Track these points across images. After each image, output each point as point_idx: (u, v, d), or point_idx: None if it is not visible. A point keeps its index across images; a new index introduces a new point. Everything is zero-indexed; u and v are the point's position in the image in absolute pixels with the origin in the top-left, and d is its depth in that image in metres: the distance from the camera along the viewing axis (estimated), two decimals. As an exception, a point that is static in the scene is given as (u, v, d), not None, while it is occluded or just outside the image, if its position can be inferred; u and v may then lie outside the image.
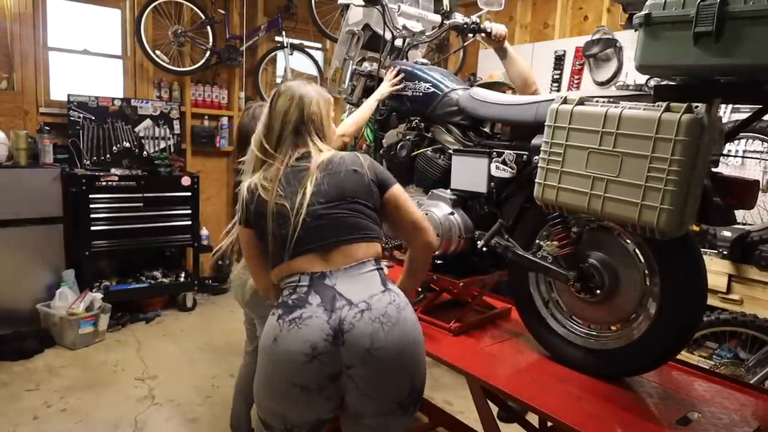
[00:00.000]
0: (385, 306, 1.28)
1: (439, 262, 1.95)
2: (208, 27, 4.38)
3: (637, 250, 1.46)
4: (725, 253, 2.91)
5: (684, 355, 2.83)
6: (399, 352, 1.26)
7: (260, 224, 1.39)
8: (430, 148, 2.02)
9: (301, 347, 1.21)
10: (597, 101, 1.35)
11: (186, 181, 4.15)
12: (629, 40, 3.73)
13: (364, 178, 1.40)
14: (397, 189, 1.47)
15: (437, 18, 2.46)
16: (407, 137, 2.09)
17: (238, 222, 1.46)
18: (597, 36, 3.97)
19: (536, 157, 1.49)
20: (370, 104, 2.09)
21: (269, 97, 1.49)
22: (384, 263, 1.43)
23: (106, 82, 4.32)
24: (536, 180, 1.46)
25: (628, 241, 1.48)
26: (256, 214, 1.39)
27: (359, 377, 1.24)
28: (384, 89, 2.10)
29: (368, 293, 1.28)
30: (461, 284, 1.88)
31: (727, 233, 2.91)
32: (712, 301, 2.94)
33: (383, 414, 1.30)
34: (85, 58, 4.21)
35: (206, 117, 4.72)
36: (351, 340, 1.22)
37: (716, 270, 2.91)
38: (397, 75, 2.10)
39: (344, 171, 1.39)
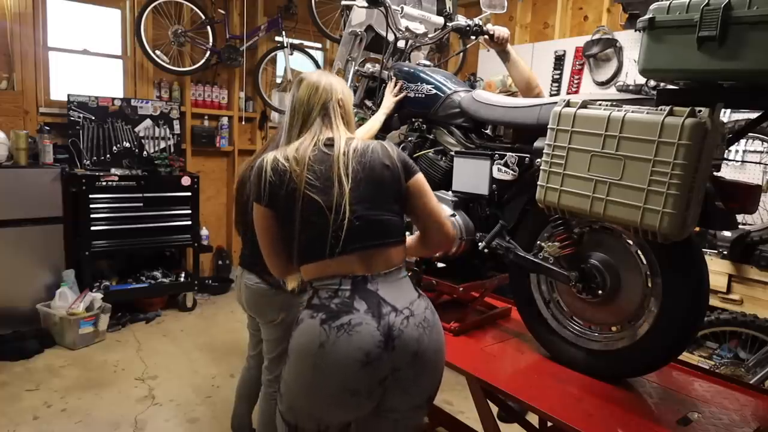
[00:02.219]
0: (423, 311, 1.35)
1: (440, 265, 1.95)
2: (208, 27, 4.37)
3: (639, 251, 1.46)
4: (725, 253, 2.93)
5: (684, 355, 2.82)
6: (436, 352, 1.35)
7: (288, 210, 1.33)
8: (432, 150, 2.02)
9: (354, 354, 1.23)
10: (600, 104, 1.35)
11: (186, 181, 4.15)
12: (629, 40, 3.74)
13: (395, 173, 1.38)
14: (420, 178, 1.44)
15: (440, 20, 2.46)
16: (409, 139, 2.09)
17: (256, 200, 1.37)
18: (597, 36, 3.97)
19: (538, 160, 1.49)
20: (379, 119, 2.09)
21: (294, 85, 1.47)
22: None
23: (106, 82, 4.32)
24: (538, 183, 1.46)
25: (630, 241, 1.48)
26: (286, 199, 1.32)
27: (405, 378, 1.30)
28: (388, 102, 2.10)
29: (409, 299, 1.34)
30: (461, 289, 1.88)
31: (727, 233, 2.92)
32: (712, 301, 2.95)
33: (414, 408, 1.38)
34: (85, 58, 4.21)
35: (206, 117, 4.72)
36: (400, 346, 1.27)
37: (716, 270, 2.92)
38: (396, 85, 2.11)
39: (378, 167, 1.35)
